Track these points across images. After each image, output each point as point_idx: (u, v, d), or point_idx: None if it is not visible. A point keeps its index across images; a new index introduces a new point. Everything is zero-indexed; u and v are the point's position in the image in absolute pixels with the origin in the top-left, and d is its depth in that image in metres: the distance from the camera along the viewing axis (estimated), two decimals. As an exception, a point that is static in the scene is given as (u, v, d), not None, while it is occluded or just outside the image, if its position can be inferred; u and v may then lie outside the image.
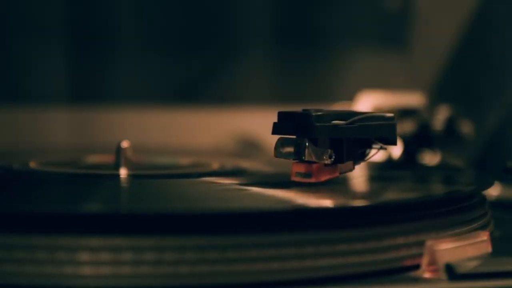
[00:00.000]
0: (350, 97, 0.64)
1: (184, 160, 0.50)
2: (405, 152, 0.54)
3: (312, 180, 0.36)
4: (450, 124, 0.55)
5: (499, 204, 0.47)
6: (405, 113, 0.56)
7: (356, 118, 0.36)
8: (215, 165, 0.47)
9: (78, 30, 0.69)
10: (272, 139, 0.37)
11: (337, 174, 0.37)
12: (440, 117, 0.55)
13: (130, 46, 0.71)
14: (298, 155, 0.36)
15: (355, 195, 0.38)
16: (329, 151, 0.36)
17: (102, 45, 0.70)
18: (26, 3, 0.68)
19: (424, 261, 0.31)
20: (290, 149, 0.36)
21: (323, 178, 0.36)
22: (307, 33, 0.74)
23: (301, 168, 0.36)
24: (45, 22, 0.69)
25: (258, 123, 0.64)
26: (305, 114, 0.36)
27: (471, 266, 0.31)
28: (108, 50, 0.70)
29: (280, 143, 0.36)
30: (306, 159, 0.36)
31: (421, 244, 0.32)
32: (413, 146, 0.54)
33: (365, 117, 0.37)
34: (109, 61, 0.70)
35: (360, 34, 0.74)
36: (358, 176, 0.42)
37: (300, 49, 0.73)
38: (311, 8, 0.73)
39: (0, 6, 0.68)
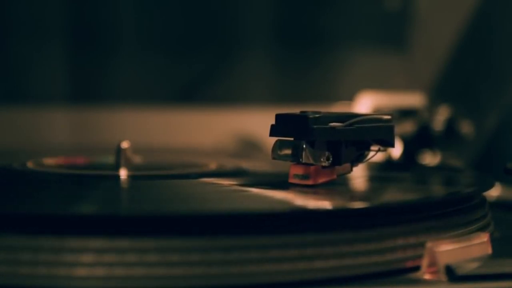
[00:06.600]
0: (350, 98, 0.64)
1: (183, 160, 0.50)
2: (405, 152, 0.54)
3: (310, 182, 0.36)
4: (450, 124, 0.55)
5: (499, 205, 0.47)
6: (405, 113, 0.56)
7: (353, 120, 0.36)
8: (214, 166, 0.46)
9: (78, 30, 0.69)
10: (272, 139, 0.37)
11: (334, 177, 0.37)
12: (440, 117, 0.55)
13: (130, 46, 0.71)
14: (295, 158, 0.36)
15: (355, 197, 0.38)
16: (327, 153, 0.36)
17: (102, 45, 0.70)
18: (26, 3, 0.68)
19: (424, 262, 0.31)
20: (287, 151, 0.36)
21: (321, 180, 0.36)
22: (307, 34, 0.74)
23: (298, 170, 0.36)
24: (45, 22, 0.69)
25: (258, 123, 0.64)
26: (303, 116, 0.35)
27: (471, 267, 0.31)
28: (108, 50, 0.70)
29: (278, 145, 0.36)
30: (303, 162, 0.36)
31: (421, 245, 0.32)
32: (413, 146, 0.54)
33: (363, 119, 0.37)
34: (109, 61, 0.70)
35: (360, 34, 0.74)
36: (358, 177, 0.42)
37: (300, 49, 0.73)
38: (311, 8, 0.73)
39: (0, 6, 0.68)
